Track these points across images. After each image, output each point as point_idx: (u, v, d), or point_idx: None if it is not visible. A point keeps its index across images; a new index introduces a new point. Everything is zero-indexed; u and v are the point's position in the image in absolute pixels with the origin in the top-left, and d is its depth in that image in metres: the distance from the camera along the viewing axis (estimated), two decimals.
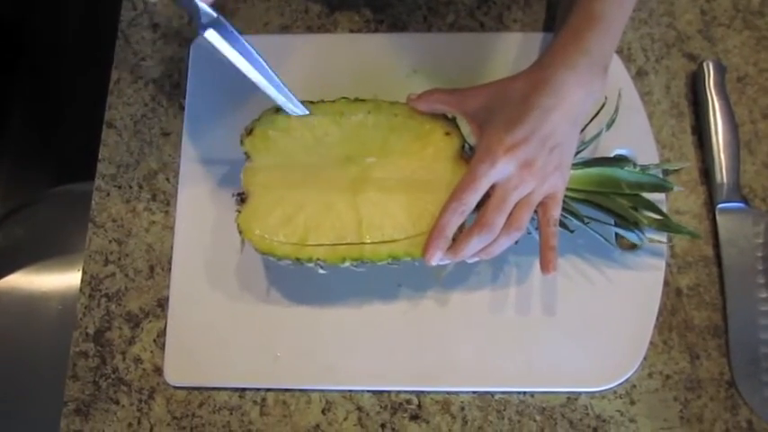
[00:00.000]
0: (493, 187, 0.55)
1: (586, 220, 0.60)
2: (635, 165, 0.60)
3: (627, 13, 0.60)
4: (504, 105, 0.56)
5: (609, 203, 0.60)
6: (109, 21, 0.75)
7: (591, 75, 0.56)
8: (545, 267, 0.57)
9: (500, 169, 0.54)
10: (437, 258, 0.55)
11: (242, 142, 0.59)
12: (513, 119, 0.55)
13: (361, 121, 0.59)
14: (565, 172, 0.57)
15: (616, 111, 0.62)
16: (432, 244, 0.55)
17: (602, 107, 0.62)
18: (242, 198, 0.59)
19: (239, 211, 0.58)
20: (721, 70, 0.68)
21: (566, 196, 0.58)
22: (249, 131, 0.59)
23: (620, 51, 0.70)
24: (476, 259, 0.57)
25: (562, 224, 0.60)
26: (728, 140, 0.66)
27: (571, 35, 0.58)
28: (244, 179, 0.58)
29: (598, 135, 0.61)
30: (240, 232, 0.57)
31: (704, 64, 0.68)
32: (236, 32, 0.54)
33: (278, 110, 0.60)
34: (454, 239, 0.55)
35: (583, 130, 0.59)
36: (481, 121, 0.57)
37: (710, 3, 0.72)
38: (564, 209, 0.58)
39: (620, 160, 0.61)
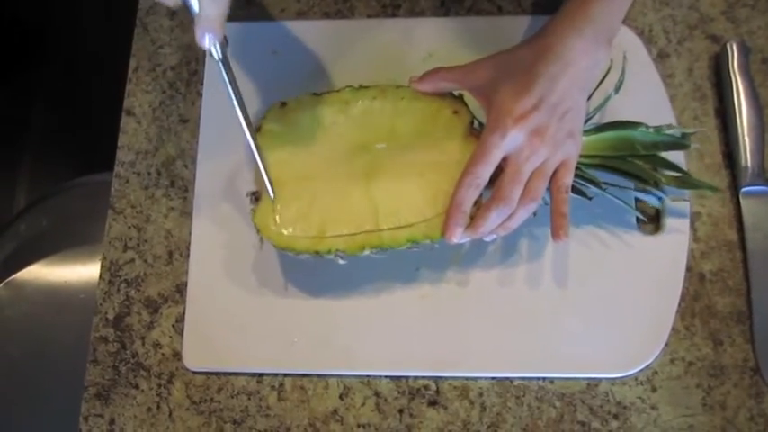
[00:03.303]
0: (506, 159, 0.54)
1: (604, 186, 0.59)
2: (648, 126, 0.59)
3: None
4: (511, 75, 0.55)
5: (626, 166, 0.58)
6: (127, 9, 0.76)
7: (596, 43, 0.55)
8: (555, 234, 0.56)
9: (511, 139, 0.53)
10: (457, 235, 0.55)
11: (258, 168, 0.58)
12: (520, 88, 0.54)
13: (368, 108, 0.59)
14: (577, 139, 0.56)
15: (622, 73, 0.61)
16: (450, 221, 0.55)
17: (608, 71, 0.61)
18: (256, 197, 0.59)
19: (254, 210, 0.58)
20: (745, 52, 0.67)
21: (581, 163, 0.58)
22: (257, 129, 0.59)
23: (641, 33, 0.69)
24: (493, 237, 0.56)
25: (580, 192, 0.59)
26: (753, 123, 0.65)
27: (577, 4, 0.57)
28: (256, 178, 0.58)
29: (608, 99, 0.60)
30: (258, 231, 0.57)
31: (728, 45, 0.67)
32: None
33: (283, 104, 0.60)
34: (472, 217, 0.55)
35: (589, 98, 0.58)
36: (488, 93, 0.56)
37: None
38: (581, 176, 0.58)
39: (633, 123, 0.59)
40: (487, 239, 0.57)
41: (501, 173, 0.55)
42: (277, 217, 0.57)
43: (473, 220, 0.55)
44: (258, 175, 0.58)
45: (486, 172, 0.54)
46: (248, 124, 0.55)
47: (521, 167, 0.54)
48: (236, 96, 0.54)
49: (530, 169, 0.54)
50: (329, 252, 0.56)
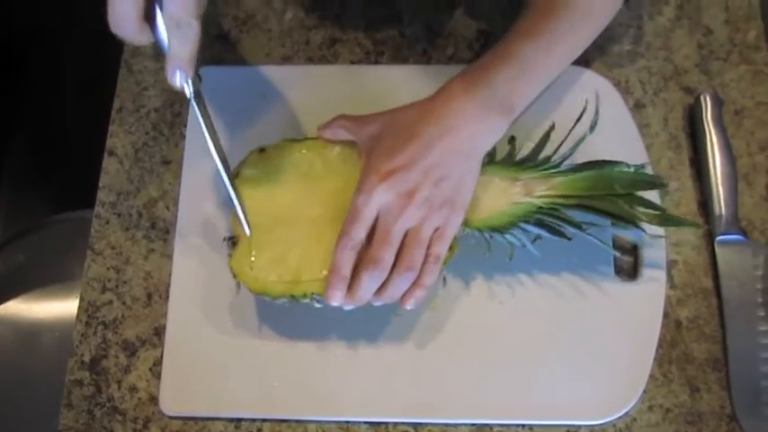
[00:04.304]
0: (377, 220, 0.54)
1: (585, 227, 0.58)
2: (628, 165, 0.58)
3: (556, 62, 0.59)
4: (391, 134, 0.55)
5: (604, 205, 0.58)
6: (112, 50, 0.76)
7: (488, 110, 0.54)
8: (403, 301, 0.55)
9: (377, 198, 0.53)
10: (338, 299, 0.54)
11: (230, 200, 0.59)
12: (394, 147, 0.54)
13: (345, 154, 0.60)
14: (457, 208, 0.55)
15: (596, 113, 0.60)
16: (330, 284, 0.54)
17: (582, 113, 0.61)
18: (233, 241, 0.59)
19: (231, 255, 0.58)
20: (719, 103, 0.68)
21: (559, 203, 0.57)
22: (236, 175, 0.60)
23: (617, 84, 0.71)
24: (380, 303, 0.55)
25: (559, 233, 0.58)
26: (726, 173, 0.66)
27: (478, 68, 0.56)
28: (233, 223, 0.59)
29: (583, 138, 0.60)
30: (234, 276, 0.58)
31: (701, 97, 0.69)
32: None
33: (262, 150, 0.60)
34: None
35: (563, 143, 0.59)
36: (368, 149, 0.56)
37: (707, 37, 0.73)
38: (558, 217, 0.58)
39: (611, 162, 0.59)
40: (375, 303, 0.56)
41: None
42: (253, 261, 0.57)
43: (350, 284, 0.54)
44: (235, 220, 0.58)
45: (358, 233, 0.53)
46: (222, 161, 0.56)
47: (389, 228, 0.53)
48: (209, 133, 0.55)
49: (400, 230, 0.53)
50: (304, 296, 0.56)
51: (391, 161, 0.53)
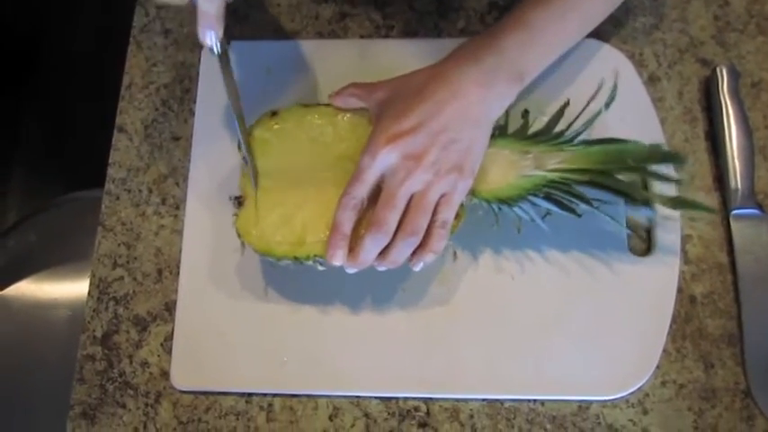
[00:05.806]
0: (383, 182, 0.54)
1: (595, 204, 0.57)
2: (642, 145, 0.58)
3: (569, 31, 0.59)
4: (400, 98, 0.55)
5: (616, 183, 0.57)
6: (121, 27, 0.76)
7: (496, 75, 0.54)
8: (411, 261, 0.55)
9: (382, 159, 0.53)
10: (339, 258, 0.54)
11: (239, 147, 0.60)
12: (403, 110, 0.53)
13: (355, 122, 0.60)
14: (465, 174, 0.54)
15: (615, 88, 0.60)
16: (331, 243, 0.54)
17: (598, 90, 0.60)
18: (239, 201, 0.59)
19: (236, 215, 0.58)
20: (735, 75, 0.67)
21: (569, 179, 0.57)
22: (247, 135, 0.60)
23: (632, 57, 0.70)
24: (383, 268, 0.55)
25: (569, 209, 0.58)
26: (743, 146, 0.65)
27: (488, 34, 0.56)
28: (241, 183, 0.59)
29: (597, 114, 0.59)
30: (239, 235, 0.58)
31: (718, 69, 0.67)
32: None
33: (274, 113, 0.61)
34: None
35: (577, 118, 0.58)
36: (378, 114, 0.56)
37: (724, 8, 0.72)
38: (569, 192, 0.57)
39: (624, 140, 0.58)
40: (379, 269, 0.56)
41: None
42: (259, 220, 0.58)
43: (351, 246, 0.54)
44: (243, 180, 0.59)
45: (360, 192, 0.53)
46: (240, 118, 0.58)
47: (394, 191, 0.53)
48: (231, 90, 0.57)
49: (405, 194, 0.53)
50: (308, 257, 0.56)
51: (399, 124, 0.53)
